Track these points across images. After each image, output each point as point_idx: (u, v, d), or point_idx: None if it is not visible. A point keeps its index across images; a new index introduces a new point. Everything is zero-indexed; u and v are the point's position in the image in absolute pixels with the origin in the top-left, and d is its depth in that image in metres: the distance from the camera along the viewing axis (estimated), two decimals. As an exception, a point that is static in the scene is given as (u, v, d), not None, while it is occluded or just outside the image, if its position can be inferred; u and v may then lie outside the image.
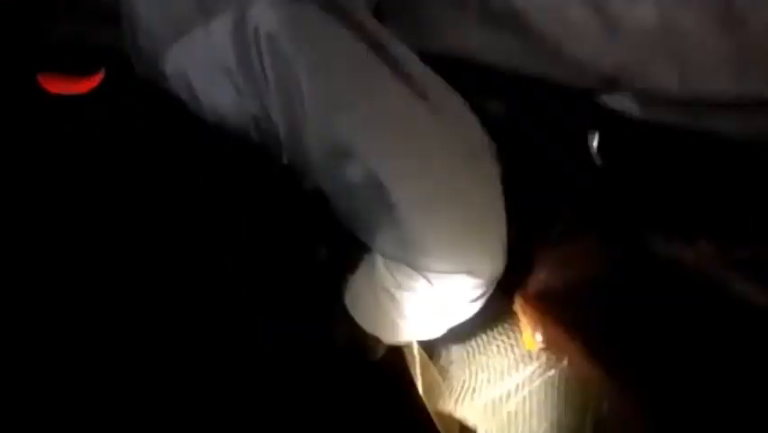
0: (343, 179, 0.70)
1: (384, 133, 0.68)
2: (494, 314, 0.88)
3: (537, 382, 0.84)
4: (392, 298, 0.77)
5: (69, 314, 0.84)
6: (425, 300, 0.75)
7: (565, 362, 0.82)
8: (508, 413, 0.87)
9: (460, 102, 0.70)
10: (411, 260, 0.71)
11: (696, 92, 0.60)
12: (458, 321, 0.79)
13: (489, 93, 0.77)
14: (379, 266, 0.77)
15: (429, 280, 0.72)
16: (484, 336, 0.89)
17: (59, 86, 0.81)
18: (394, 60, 0.68)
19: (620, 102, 0.67)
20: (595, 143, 0.90)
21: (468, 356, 0.90)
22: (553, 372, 0.84)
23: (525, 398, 0.86)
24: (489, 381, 0.88)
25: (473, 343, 0.91)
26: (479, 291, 0.75)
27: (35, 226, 0.88)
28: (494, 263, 0.73)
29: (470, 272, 0.71)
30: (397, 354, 0.91)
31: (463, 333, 0.89)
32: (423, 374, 0.92)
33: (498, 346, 0.88)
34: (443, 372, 0.92)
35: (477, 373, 0.89)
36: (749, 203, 0.79)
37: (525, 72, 0.69)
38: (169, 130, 0.91)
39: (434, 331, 0.80)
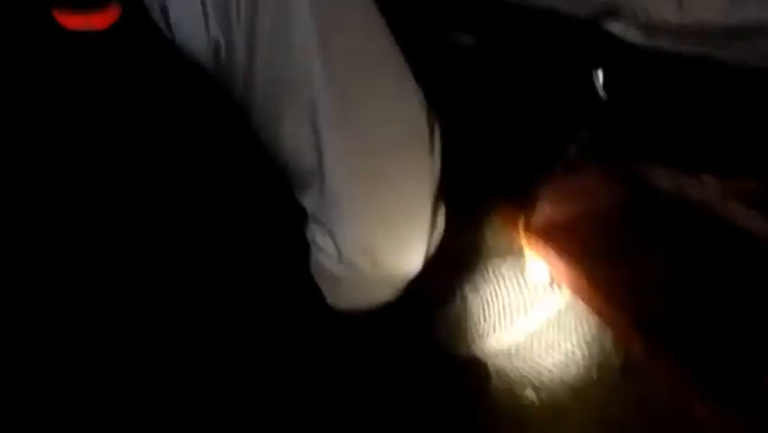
0: (280, 129, 0.69)
1: (340, 83, 0.67)
2: (504, 250, 0.90)
3: (550, 316, 0.87)
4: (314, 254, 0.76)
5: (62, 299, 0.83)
6: (332, 267, 0.74)
7: (571, 293, 0.83)
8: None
9: (412, 86, 0.69)
10: (327, 226, 0.71)
11: (694, 20, 0.59)
12: (368, 301, 0.77)
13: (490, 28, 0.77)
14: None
15: (339, 249, 0.72)
16: (497, 277, 0.91)
17: (75, 21, 0.79)
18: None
19: (624, 31, 0.66)
20: (600, 79, 0.90)
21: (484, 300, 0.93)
22: (562, 304, 0.86)
23: (541, 331, 0.88)
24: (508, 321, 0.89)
25: (489, 286, 0.91)
26: (386, 289, 0.75)
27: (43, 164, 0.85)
28: (406, 264, 0.72)
29: (375, 264, 0.71)
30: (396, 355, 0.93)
31: (475, 273, 0.90)
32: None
33: (512, 284, 0.90)
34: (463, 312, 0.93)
35: (497, 314, 0.89)
36: (752, 134, 0.78)
37: (528, 3, 0.68)
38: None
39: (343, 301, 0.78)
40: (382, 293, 0.76)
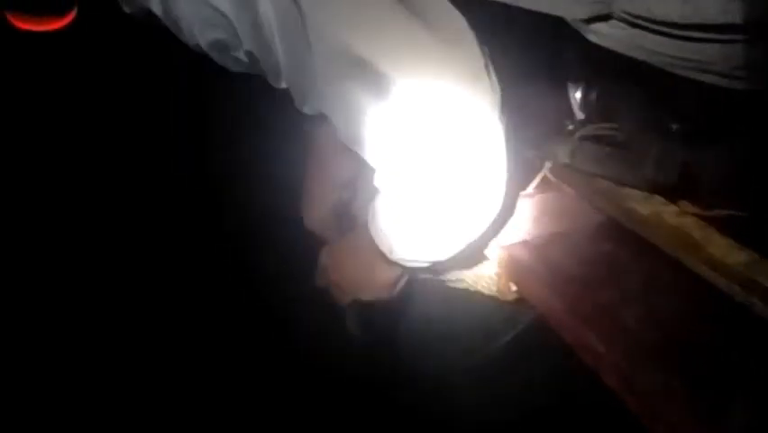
0: (353, 96, 0.64)
1: (395, 47, 0.63)
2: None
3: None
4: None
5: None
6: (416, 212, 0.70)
7: (540, 312, 0.77)
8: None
9: (462, 23, 0.65)
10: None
11: (699, 18, 0.54)
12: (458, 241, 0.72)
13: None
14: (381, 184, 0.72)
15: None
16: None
17: (28, 23, 0.76)
18: None
19: (615, 31, 0.61)
20: (578, 95, 0.85)
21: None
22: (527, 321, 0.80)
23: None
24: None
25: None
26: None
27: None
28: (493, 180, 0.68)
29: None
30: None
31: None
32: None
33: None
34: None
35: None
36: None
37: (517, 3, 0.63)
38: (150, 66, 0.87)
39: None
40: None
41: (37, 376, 0.96)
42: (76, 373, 1.01)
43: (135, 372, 1.06)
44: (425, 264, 0.73)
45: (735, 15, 0.52)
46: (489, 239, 0.76)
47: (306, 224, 0.92)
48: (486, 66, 0.65)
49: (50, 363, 0.99)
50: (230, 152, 1.13)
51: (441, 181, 0.65)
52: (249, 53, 0.68)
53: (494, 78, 0.65)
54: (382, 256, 0.74)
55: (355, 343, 0.88)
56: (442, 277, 0.82)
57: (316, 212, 0.92)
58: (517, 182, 0.78)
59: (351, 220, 0.91)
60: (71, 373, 1.01)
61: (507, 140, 0.67)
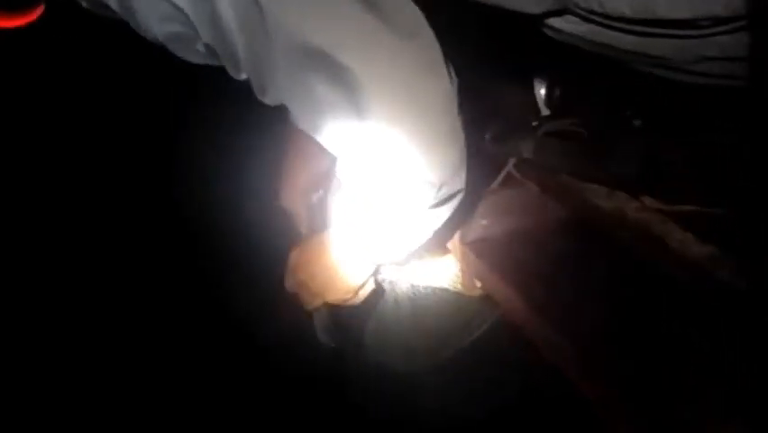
0: (312, 86, 0.64)
1: (353, 36, 0.63)
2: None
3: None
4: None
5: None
6: (385, 208, 0.69)
7: (503, 309, 0.77)
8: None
9: (419, 16, 0.65)
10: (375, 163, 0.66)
11: (649, 13, 0.54)
12: (419, 235, 0.72)
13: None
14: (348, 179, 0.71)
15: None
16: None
17: None
18: None
19: (572, 27, 0.61)
20: (542, 91, 0.85)
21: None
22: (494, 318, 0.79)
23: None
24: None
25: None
26: (430, 199, 0.70)
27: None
28: (452, 172, 0.68)
29: (426, 181, 0.66)
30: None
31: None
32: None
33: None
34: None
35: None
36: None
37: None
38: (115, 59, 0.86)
39: (399, 247, 0.74)
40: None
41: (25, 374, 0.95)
42: (55, 375, 1.00)
43: (133, 373, 1.05)
44: (387, 259, 0.73)
45: (684, 10, 0.52)
46: (452, 232, 0.75)
47: (279, 201, 0.91)
48: (443, 57, 0.65)
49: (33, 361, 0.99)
50: (208, 149, 1.12)
51: (398, 170, 0.65)
52: (207, 46, 0.68)
53: (452, 70, 0.65)
54: (349, 253, 0.74)
55: (323, 347, 0.88)
56: (408, 275, 0.81)
57: (291, 191, 0.91)
58: (478, 174, 0.78)
59: (322, 218, 0.91)
60: (51, 374, 1.00)
61: (467, 131, 0.67)
